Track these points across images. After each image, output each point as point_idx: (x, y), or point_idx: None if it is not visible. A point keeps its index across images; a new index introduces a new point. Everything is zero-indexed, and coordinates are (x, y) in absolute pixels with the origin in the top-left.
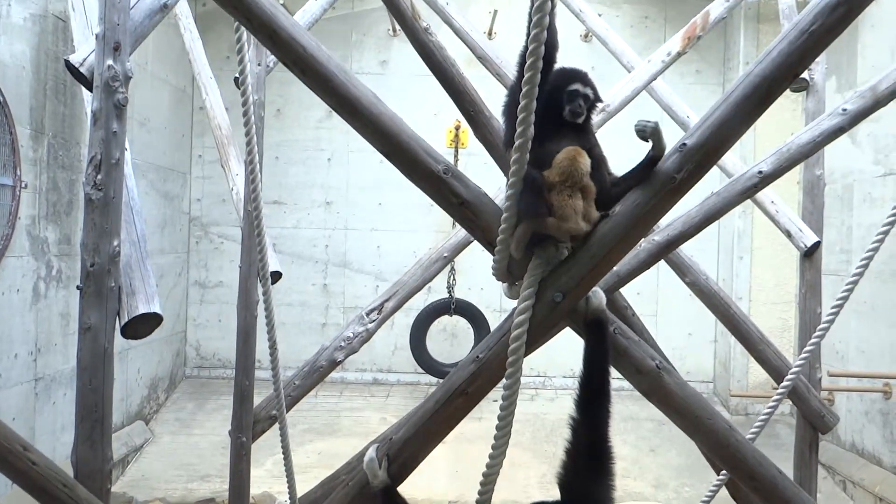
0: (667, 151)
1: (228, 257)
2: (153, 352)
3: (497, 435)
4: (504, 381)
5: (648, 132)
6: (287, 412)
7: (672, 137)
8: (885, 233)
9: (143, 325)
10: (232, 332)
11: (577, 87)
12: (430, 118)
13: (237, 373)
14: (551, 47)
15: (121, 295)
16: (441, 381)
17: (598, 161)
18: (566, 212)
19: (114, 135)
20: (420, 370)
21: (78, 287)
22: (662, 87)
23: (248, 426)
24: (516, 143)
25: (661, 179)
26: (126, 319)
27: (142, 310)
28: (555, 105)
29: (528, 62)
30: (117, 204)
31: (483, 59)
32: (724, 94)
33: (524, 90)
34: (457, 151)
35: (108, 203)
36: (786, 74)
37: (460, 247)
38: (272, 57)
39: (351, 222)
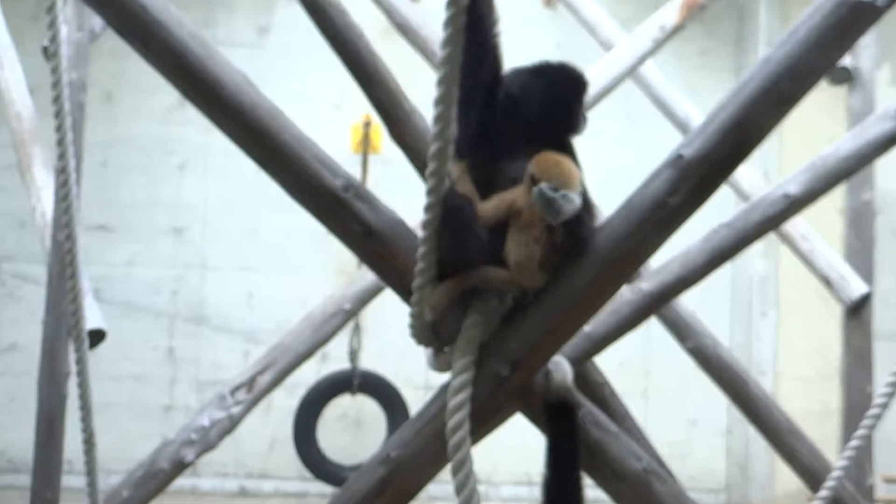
0: (658, 165)
1: (27, 308)
2: None
3: None
4: (456, 493)
5: (562, 215)
6: None
7: (667, 143)
8: None
9: None
10: (30, 419)
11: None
12: (327, 111)
13: (34, 480)
14: (484, 18)
15: None
16: (339, 490)
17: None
18: (523, 260)
19: None
20: (309, 475)
21: None
22: (654, 74)
23: None
24: (432, 148)
25: (647, 204)
26: None
27: None
28: (535, 110)
29: (445, 34)
30: None
31: (403, 28)
32: (736, 85)
33: (441, 73)
34: (366, 159)
35: None
36: (819, 61)
37: (368, 295)
38: (99, 19)
39: (211, 258)
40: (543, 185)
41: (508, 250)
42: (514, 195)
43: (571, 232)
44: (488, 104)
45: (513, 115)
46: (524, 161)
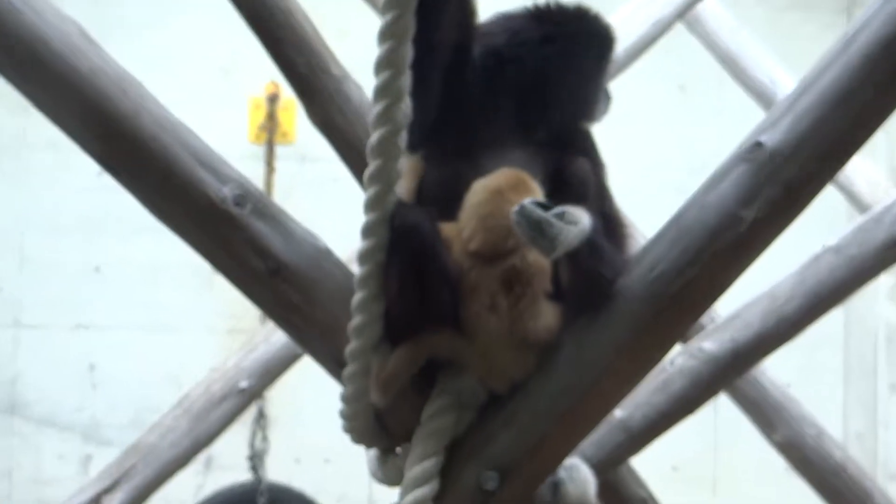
0: (726, 158)
1: None
2: None
3: None
4: None
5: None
6: None
7: (740, 122)
8: None
9: None
10: None
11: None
12: (212, 79)
13: None
14: None
15: None
16: None
17: (586, 194)
18: (486, 341)
19: None
20: None
21: None
22: (718, 17)
23: None
24: (373, 136)
25: (709, 220)
26: None
27: None
28: (530, 77)
29: None
30: None
31: None
32: (846, 34)
33: (387, 20)
34: (271, 153)
35: None
36: None
37: (276, 367)
38: None
39: (29, 311)
40: (527, 202)
41: (464, 317)
42: (453, 229)
43: (582, 270)
44: (458, 68)
45: (496, 84)
46: (514, 153)
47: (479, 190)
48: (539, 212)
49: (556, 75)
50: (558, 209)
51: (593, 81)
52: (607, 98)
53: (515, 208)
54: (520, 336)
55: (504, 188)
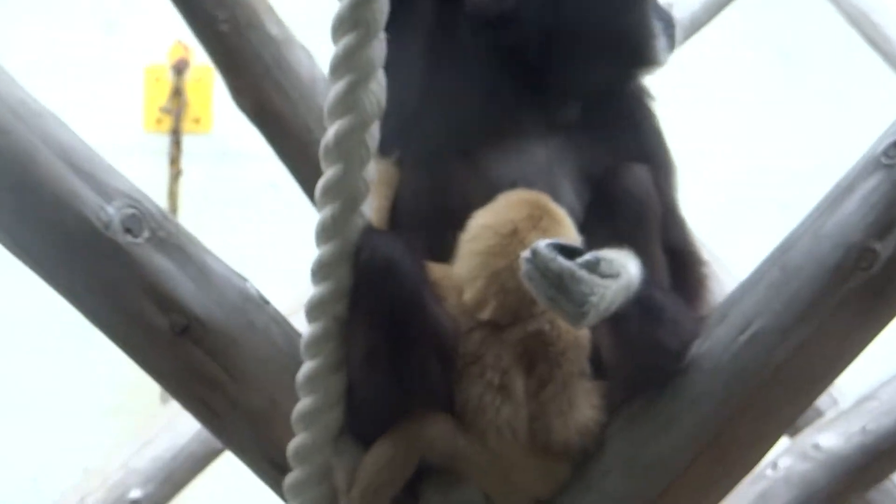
0: (855, 165)
1: None
2: None
3: None
4: None
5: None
6: None
7: (874, 109)
8: None
9: None
10: None
11: None
12: (92, 38)
13: None
14: None
15: None
16: None
17: (643, 219)
18: (491, 432)
19: None
20: None
21: None
22: None
23: None
24: (332, 129)
25: (826, 258)
26: None
27: None
28: (540, 27)
29: None
30: None
31: None
32: None
33: None
34: (178, 142)
35: None
36: None
37: (182, 469)
38: None
39: None
40: (543, 245)
41: (461, 400)
42: (445, 275)
43: (632, 340)
44: (448, 29)
45: (495, 50)
46: (533, 148)
47: (484, 231)
48: (560, 261)
49: (573, 13)
50: (590, 255)
51: (638, 8)
52: (669, 24)
53: (525, 254)
54: (543, 440)
55: (521, 226)
